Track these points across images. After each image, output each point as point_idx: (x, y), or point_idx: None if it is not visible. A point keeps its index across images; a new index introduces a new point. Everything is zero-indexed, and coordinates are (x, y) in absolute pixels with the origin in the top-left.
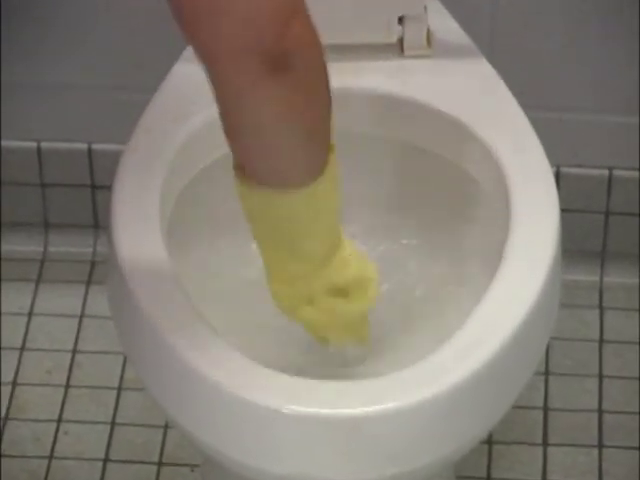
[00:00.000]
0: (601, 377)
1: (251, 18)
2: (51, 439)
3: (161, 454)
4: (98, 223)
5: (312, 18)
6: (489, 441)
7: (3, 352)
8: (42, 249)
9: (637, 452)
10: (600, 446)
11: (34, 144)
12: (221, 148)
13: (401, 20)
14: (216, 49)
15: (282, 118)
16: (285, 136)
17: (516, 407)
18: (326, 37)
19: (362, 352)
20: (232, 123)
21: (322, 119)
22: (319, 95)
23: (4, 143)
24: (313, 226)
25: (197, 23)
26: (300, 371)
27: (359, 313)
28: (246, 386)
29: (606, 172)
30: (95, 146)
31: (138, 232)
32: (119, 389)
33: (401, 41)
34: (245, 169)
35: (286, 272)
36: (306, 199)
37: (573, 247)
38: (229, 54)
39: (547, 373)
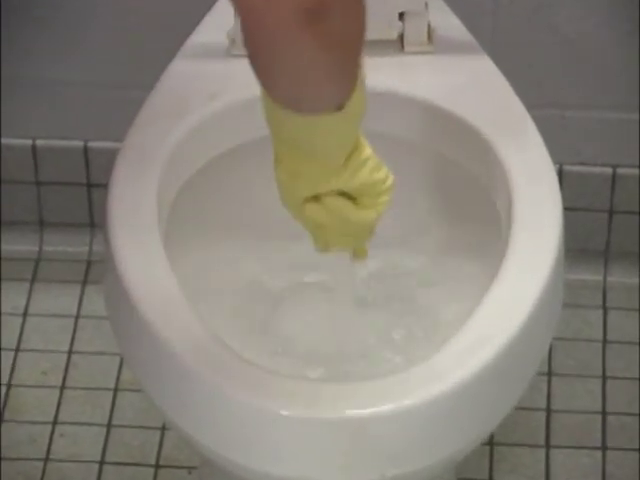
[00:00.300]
0: (604, 378)
1: None
2: (47, 441)
3: (158, 456)
4: (94, 222)
5: None
6: (491, 442)
7: None
8: (37, 248)
9: None
10: (603, 448)
11: (29, 142)
12: (218, 146)
13: (401, 16)
14: None
15: (316, 63)
16: (317, 78)
17: (518, 408)
18: None
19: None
20: (261, 64)
21: (357, 57)
22: (356, 39)
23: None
24: (335, 142)
25: None
26: (299, 370)
27: (366, 219)
28: (246, 388)
29: (609, 170)
30: (91, 144)
31: (134, 231)
32: (115, 390)
33: (401, 37)
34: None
35: (297, 168)
36: (330, 123)
37: (576, 246)
38: (266, 2)
39: (550, 374)
